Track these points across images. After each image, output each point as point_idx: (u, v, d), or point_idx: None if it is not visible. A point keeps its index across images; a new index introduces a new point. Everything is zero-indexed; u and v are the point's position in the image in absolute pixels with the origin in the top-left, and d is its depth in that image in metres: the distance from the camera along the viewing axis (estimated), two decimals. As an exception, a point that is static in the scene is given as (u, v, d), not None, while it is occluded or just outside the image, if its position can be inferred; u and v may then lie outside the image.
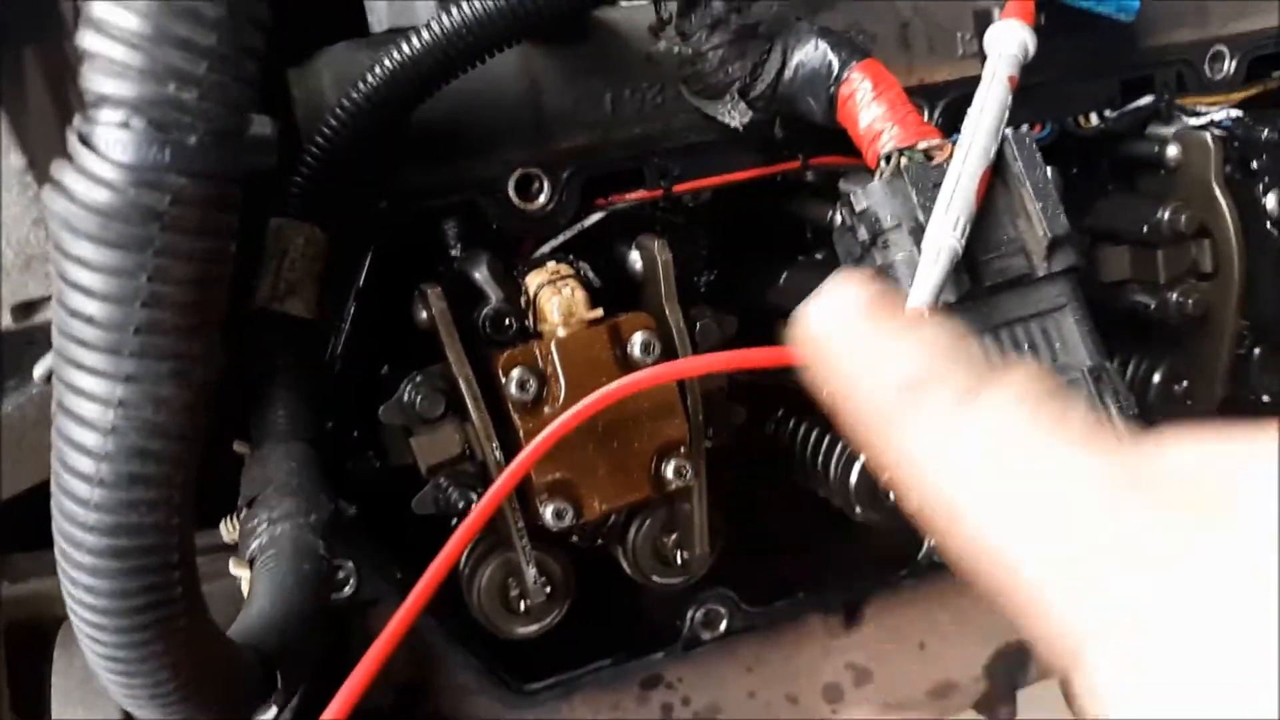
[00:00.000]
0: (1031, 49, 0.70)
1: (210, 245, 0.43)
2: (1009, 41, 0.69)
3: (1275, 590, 0.29)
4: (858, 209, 0.66)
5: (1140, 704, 0.31)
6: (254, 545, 0.55)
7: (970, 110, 0.65)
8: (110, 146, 0.40)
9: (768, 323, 0.87)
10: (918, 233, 0.62)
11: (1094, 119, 0.91)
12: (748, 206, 0.85)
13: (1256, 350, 0.94)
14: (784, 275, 0.86)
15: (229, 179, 0.44)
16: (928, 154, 0.69)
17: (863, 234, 0.66)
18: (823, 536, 0.90)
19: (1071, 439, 0.35)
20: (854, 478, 0.84)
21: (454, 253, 0.76)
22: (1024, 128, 0.86)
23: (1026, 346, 0.64)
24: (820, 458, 0.88)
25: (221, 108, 0.42)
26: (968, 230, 0.59)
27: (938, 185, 0.63)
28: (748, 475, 0.87)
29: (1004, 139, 0.64)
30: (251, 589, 0.52)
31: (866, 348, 0.40)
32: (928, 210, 0.62)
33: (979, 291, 0.63)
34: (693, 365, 0.59)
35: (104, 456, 0.42)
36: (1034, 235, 0.64)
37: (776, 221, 0.87)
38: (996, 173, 0.64)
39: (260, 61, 0.45)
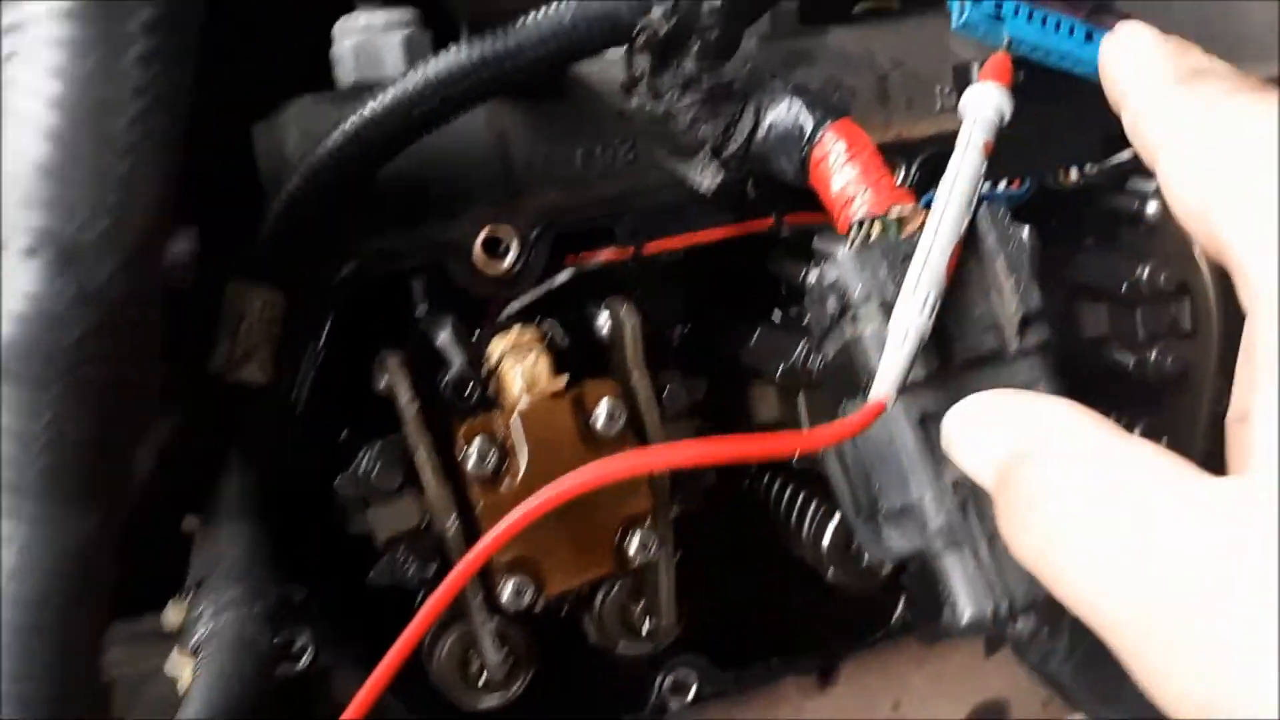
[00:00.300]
0: (1009, 113, 0.69)
1: (124, 372, 0.41)
2: (984, 106, 0.67)
3: None
4: (826, 280, 0.65)
5: None
6: (198, 635, 0.54)
7: (943, 179, 0.63)
8: (16, 277, 0.38)
9: (741, 383, 0.86)
10: (887, 308, 0.61)
11: (1074, 174, 0.89)
12: (722, 262, 0.84)
13: (1238, 405, 0.93)
14: (757, 333, 0.85)
15: (144, 304, 0.43)
16: (901, 221, 0.67)
17: (832, 305, 0.65)
18: (796, 597, 0.88)
19: None
20: (827, 538, 0.83)
21: (420, 312, 0.74)
22: (1001, 184, 0.87)
23: (999, 423, 0.63)
24: (794, 516, 0.86)
25: (135, 234, 0.40)
26: (936, 309, 0.58)
27: (908, 258, 0.61)
28: (720, 534, 0.85)
29: (977, 211, 0.62)
30: (189, 690, 0.51)
31: (1155, 50, 0.50)
32: (897, 285, 0.60)
33: (949, 369, 0.61)
34: (666, 457, 0.57)
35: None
36: (1006, 311, 0.62)
37: (751, 278, 0.85)
38: (969, 245, 0.63)
39: (180, 179, 0.43)
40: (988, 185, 0.85)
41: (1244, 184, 0.41)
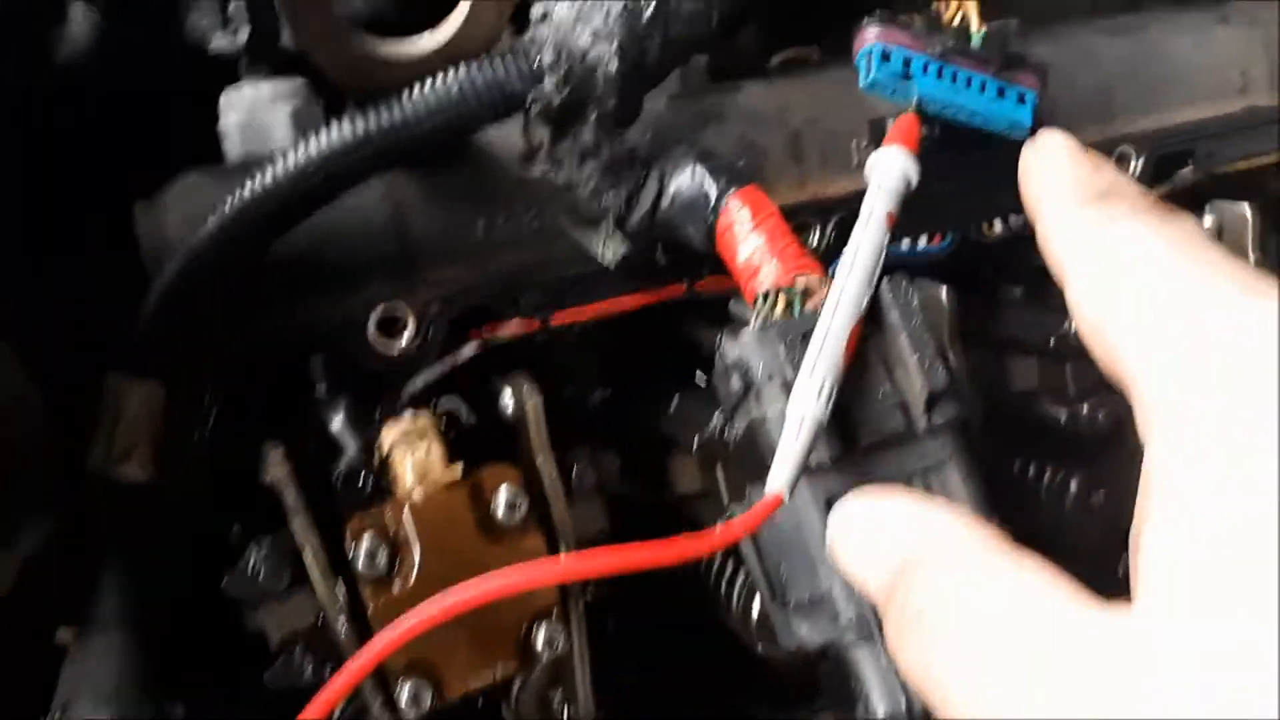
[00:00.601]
0: (915, 178, 0.67)
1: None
2: (889, 174, 0.65)
3: None
4: (729, 358, 0.63)
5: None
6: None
7: (844, 254, 0.61)
8: None
9: (661, 450, 0.84)
10: (789, 388, 0.58)
11: (998, 227, 0.88)
12: (638, 327, 0.81)
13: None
14: (676, 401, 0.82)
15: None
16: (807, 291, 0.65)
17: (736, 384, 0.63)
18: (727, 672, 0.85)
19: (1208, 263, 0.40)
20: (755, 611, 0.80)
21: (319, 391, 0.71)
22: (922, 240, 0.86)
23: (910, 504, 0.60)
24: (723, 588, 0.83)
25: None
26: (834, 394, 0.56)
27: (809, 335, 0.59)
28: (644, 608, 0.83)
29: (879, 287, 0.60)
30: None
31: (1068, 165, 0.50)
32: (796, 366, 0.58)
33: (855, 451, 0.59)
34: (567, 569, 0.54)
35: None
36: (912, 388, 0.60)
37: (668, 343, 0.83)
38: (873, 320, 0.61)
39: None
40: (907, 242, 0.84)
41: (1143, 310, 0.40)
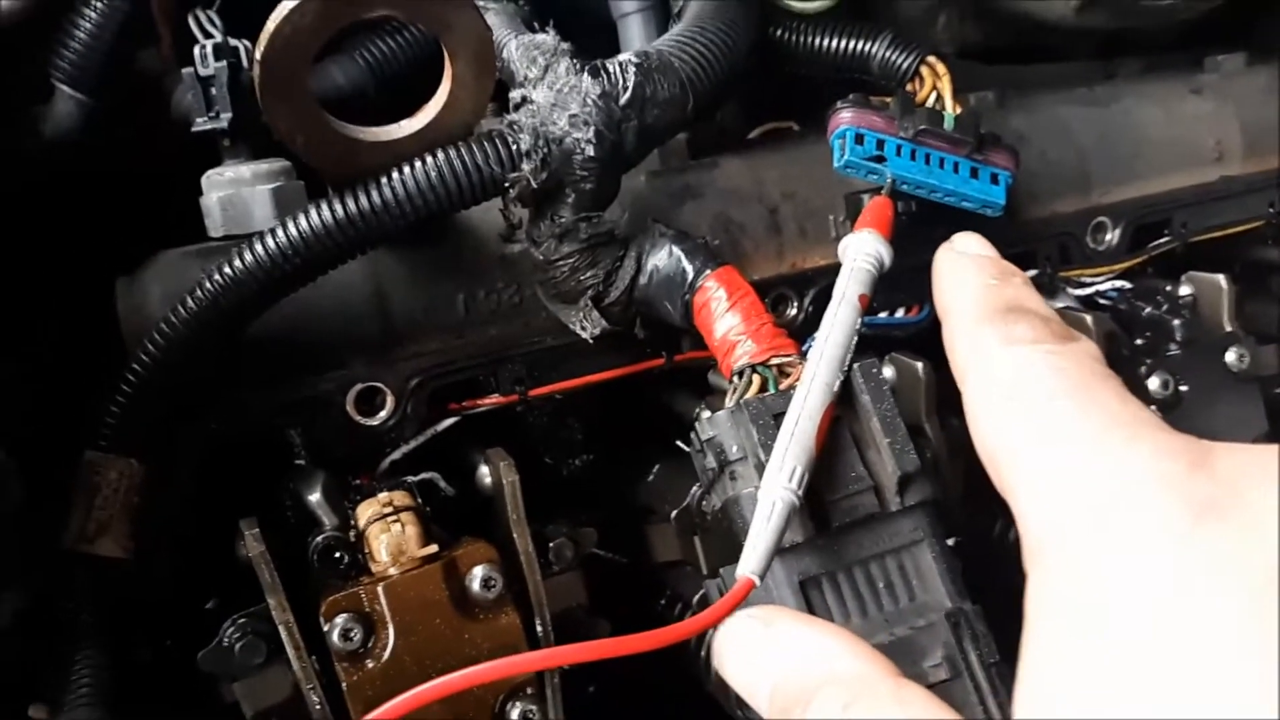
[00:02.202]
0: (888, 261, 0.68)
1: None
2: (860, 257, 0.66)
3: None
4: (704, 436, 0.63)
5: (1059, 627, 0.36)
6: None
7: (817, 336, 0.62)
8: None
9: (640, 520, 0.84)
10: (761, 469, 0.59)
11: (975, 297, 0.89)
12: (621, 395, 0.82)
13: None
14: (655, 471, 0.83)
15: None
16: (782, 370, 0.66)
17: (710, 462, 0.63)
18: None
19: (1092, 401, 0.40)
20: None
21: (299, 462, 0.71)
22: (900, 312, 0.86)
23: (882, 584, 0.61)
24: (703, 657, 0.83)
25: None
26: (805, 479, 0.56)
27: (781, 415, 0.60)
28: (628, 678, 0.83)
29: (850, 370, 0.61)
30: None
31: (978, 276, 0.49)
32: (769, 447, 0.58)
33: (828, 530, 0.60)
34: (545, 659, 0.54)
35: None
36: (884, 469, 0.61)
37: (649, 412, 0.83)
38: (845, 401, 0.61)
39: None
40: (885, 314, 0.85)
41: (1029, 445, 0.41)
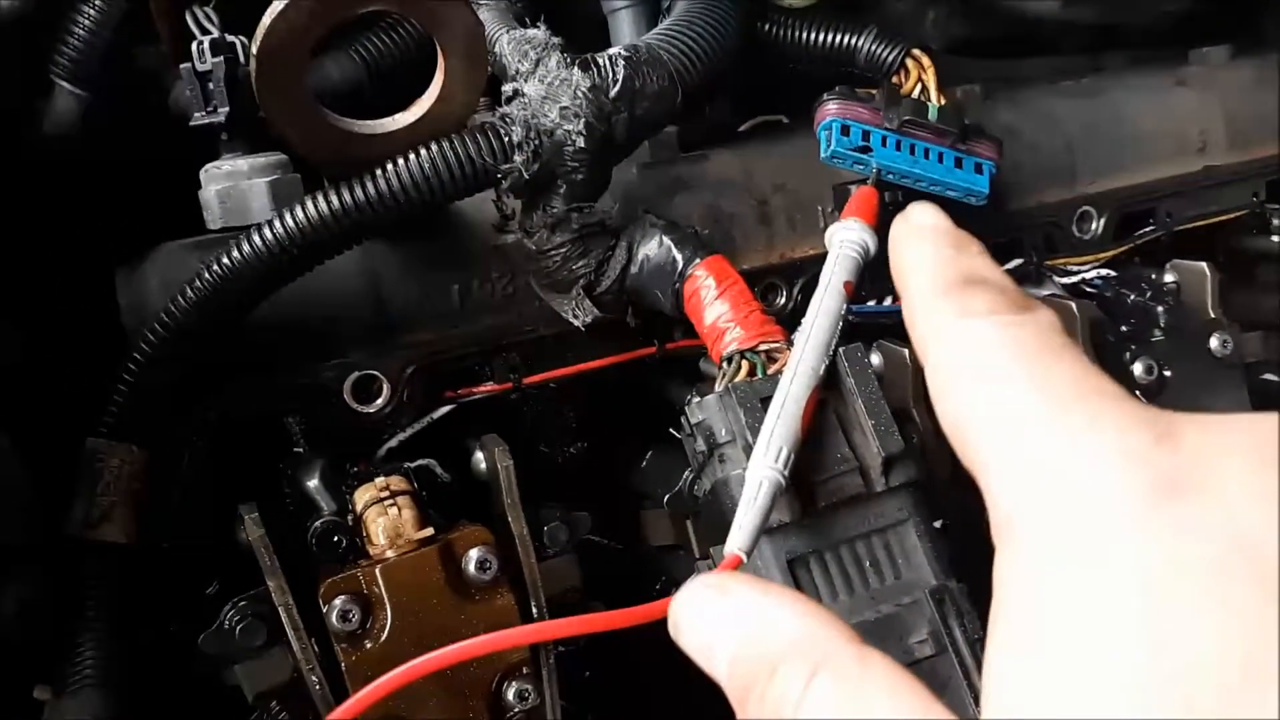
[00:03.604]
0: (873, 248, 0.69)
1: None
2: (846, 245, 0.67)
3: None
4: (694, 420, 0.65)
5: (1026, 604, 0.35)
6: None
7: (803, 322, 0.63)
8: None
9: (635, 503, 0.85)
10: (749, 451, 0.60)
11: (962, 286, 0.90)
12: (614, 383, 0.83)
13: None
14: (648, 457, 0.84)
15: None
16: (769, 356, 0.67)
17: (701, 445, 0.65)
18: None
19: (1051, 372, 0.40)
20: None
21: (298, 450, 0.73)
22: (888, 300, 0.88)
23: (868, 563, 0.62)
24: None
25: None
26: (791, 459, 0.57)
27: (769, 399, 0.61)
28: (616, 660, 0.84)
29: (836, 355, 0.62)
30: None
31: (935, 248, 0.47)
32: (756, 430, 0.60)
33: (814, 510, 0.61)
34: (534, 633, 0.56)
35: None
36: (869, 451, 0.62)
37: (641, 399, 0.85)
38: (831, 386, 0.63)
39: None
40: (873, 302, 0.86)
41: (993, 418, 0.40)
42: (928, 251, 0.47)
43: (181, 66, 0.71)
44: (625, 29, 0.82)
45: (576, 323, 0.73)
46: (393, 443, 0.74)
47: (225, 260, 0.66)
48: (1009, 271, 0.90)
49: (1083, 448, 0.37)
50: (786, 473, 0.57)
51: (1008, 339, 0.41)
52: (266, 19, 0.62)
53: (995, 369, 0.40)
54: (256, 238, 0.66)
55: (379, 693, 0.54)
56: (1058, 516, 0.36)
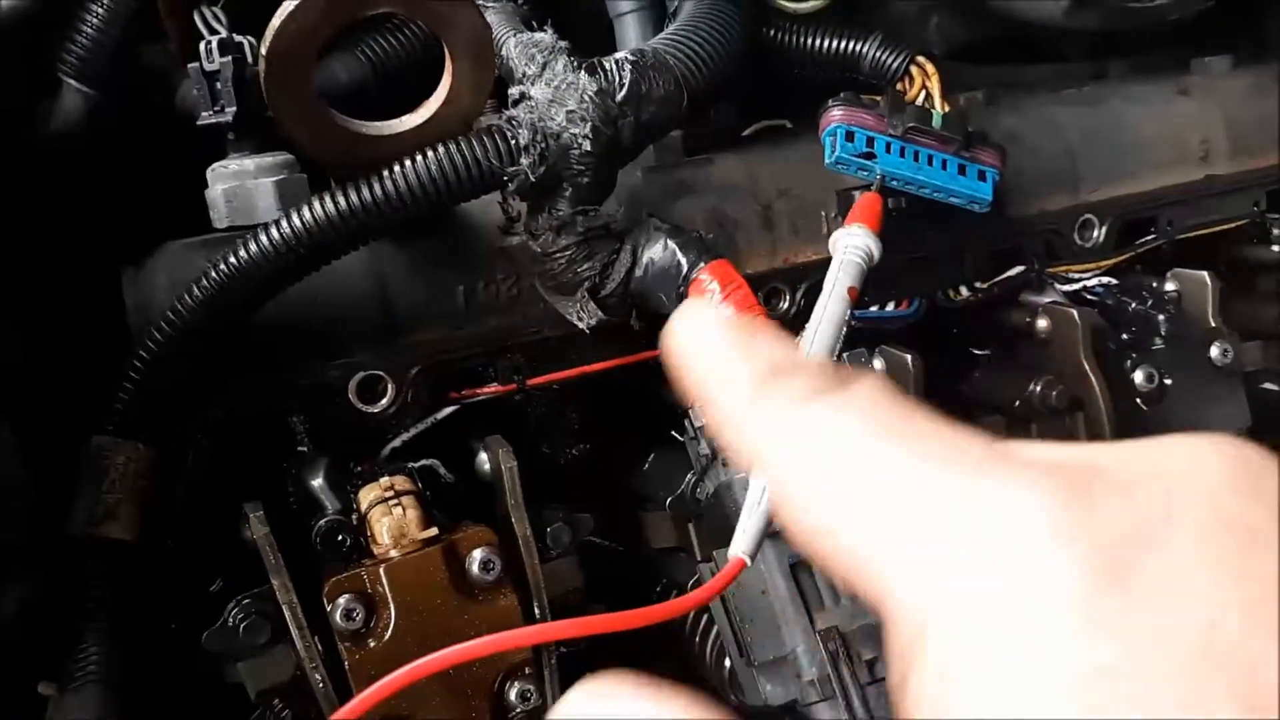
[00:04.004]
0: (877, 254, 0.70)
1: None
2: (850, 251, 0.68)
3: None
4: (698, 424, 0.65)
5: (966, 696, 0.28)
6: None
7: (808, 326, 0.64)
8: None
9: (636, 508, 0.86)
10: (753, 456, 0.61)
11: (964, 292, 0.91)
12: (617, 385, 0.84)
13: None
14: (650, 459, 0.84)
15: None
16: (773, 360, 0.68)
17: (703, 448, 0.65)
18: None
19: (916, 435, 0.34)
20: (727, 667, 0.82)
21: (302, 449, 0.73)
22: (890, 305, 0.88)
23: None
24: (698, 642, 0.85)
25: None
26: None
27: (773, 405, 0.61)
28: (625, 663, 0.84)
29: (840, 359, 0.62)
30: None
31: (724, 348, 0.40)
32: (761, 435, 0.60)
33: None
34: (535, 634, 0.56)
35: None
36: (872, 456, 0.62)
37: (644, 402, 0.85)
38: (835, 390, 0.63)
39: None
40: (876, 307, 0.86)
41: (861, 511, 0.33)
42: (719, 352, 0.41)
43: (189, 66, 0.72)
44: (631, 33, 0.83)
45: (581, 325, 0.74)
46: (396, 443, 0.74)
47: (232, 259, 0.66)
48: (1010, 279, 0.92)
49: (994, 525, 0.30)
50: (790, 476, 0.58)
51: (855, 418, 0.35)
52: (277, 20, 0.62)
53: (849, 457, 0.34)
54: (264, 237, 0.66)
55: (383, 692, 0.54)
56: (963, 629, 0.30)
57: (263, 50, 0.63)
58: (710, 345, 0.41)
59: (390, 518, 0.65)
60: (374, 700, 0.53)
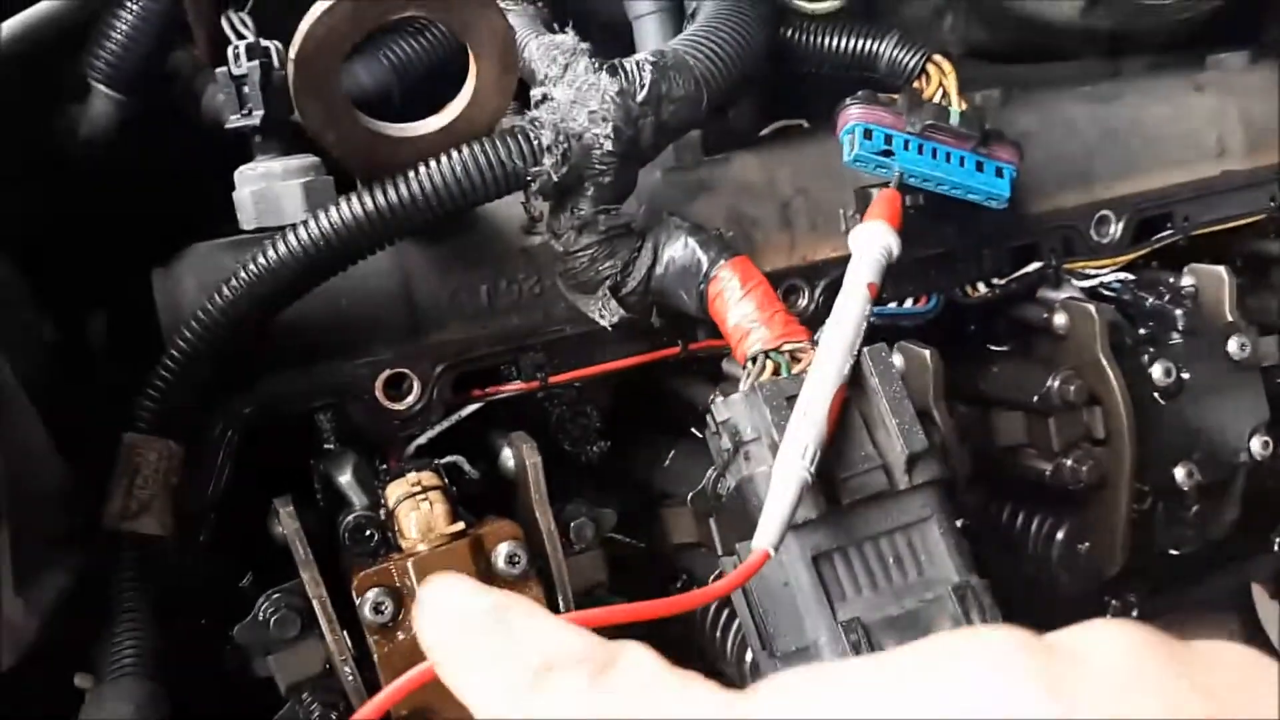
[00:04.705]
0: (896, 250, 0.70)
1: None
2: (870, 247, 0.69)
3: None
4: (719, 418, 0.66)
5: None
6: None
7: (829, 322, 0.65)
8: None
9: (658, 501, 0.87)
10: (775, 449, 0.61)
11: (981, 288, 0.91)
12: (637, 383, 0.84)
13: (1160, 506, 0.93)
14: (671, 455, 0.85)
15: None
16: (793, 355, 0.68)
17: (725, 443, 0.66)
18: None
19: (696, 701, 0.35)
20: (748, 659, 0.83)
21: (329, 446, 0.74)
22: (909, 302, 0.89)
23: (892, 559, 0.63)
24: (719, 635, 0.86)
25: None
26: (818, 456, 0.59)
27: (794, 398, 0.62)
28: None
29: (860, 355, 0.63)
30: None
31: (490, 640, 0.39)
32: (782, 428, 0.61)
33: (839, 507, 0.62)
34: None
35: None
36: (893, 449, 0.63)
37: (664, 399, 0.86)
38: (855, 384, 0.64)
39: None
40: (894, 304, 0.87)
41: None
42: (481, 639, 0.39)
43: (217, 70, 0.73)
44: (650, 34, 0.84)
45: (602, 322, 0.75)
46: (422, 439, 0.75)
47: (260, 260, 0.67)
48: (1027, 275, 0.93)
49: None
50: (813, 470, 0.59)
51: (627, 703, 0.35)
52: (305, 24, 0.63)
53: None
54: (292, 238, 0.67)
55: (411, 685, 0.55)
56: None
57: (291, 54, 0.65)
58: (470, 635, 0.39)
59: (418, 512, 0.66)
60: (404, 692, 0.55)
